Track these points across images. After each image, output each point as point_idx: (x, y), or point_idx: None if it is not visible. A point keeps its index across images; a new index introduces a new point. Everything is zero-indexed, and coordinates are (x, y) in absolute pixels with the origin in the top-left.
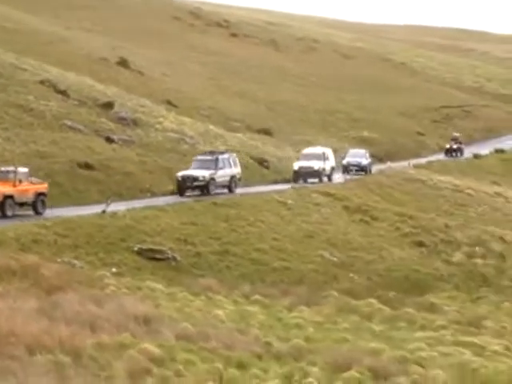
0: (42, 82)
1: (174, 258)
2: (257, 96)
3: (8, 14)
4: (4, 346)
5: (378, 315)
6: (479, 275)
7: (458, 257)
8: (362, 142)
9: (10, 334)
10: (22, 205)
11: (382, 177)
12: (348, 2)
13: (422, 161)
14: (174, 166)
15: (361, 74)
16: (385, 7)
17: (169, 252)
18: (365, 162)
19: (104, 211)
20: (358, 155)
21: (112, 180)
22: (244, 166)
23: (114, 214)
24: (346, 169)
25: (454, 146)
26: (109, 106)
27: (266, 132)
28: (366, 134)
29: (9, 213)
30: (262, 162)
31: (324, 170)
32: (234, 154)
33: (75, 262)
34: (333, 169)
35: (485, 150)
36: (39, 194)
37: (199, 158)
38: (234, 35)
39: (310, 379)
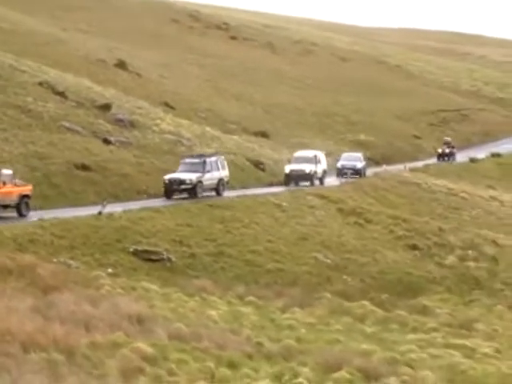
0: (40, 84)
1: (169, 259)
2: (254, 98)
3: (4, 14)
4: None
5: (370, 317)
6: (472, 278)
7: (450, 260)
8: (358, 145)
9: (5, 333)
10: (5, 207)
11: (377, 180)
12: (345, 6)
13: (419, 164)
14: (171, 168)
15: (357, 76)
16: (381, 10)
17: (164, 253)
18: (359, 165)
19: (100, 212)
20: (353, 158)
21: (109, 181)
22: (240, 169)
23: (110, 216)
24: (340, 172)
25: (446, 151)
26: (106, 107)
27: (263, 134)
28: (362, 136)
29: None
30: (257, 165)
31: (316, 173)
32: (223, 157)
33: (71, 262)
34: (325, 172)
35: (481, 153)
36: (23, 196)
37: (187, 160)
38: (233, 38)
39: (300, 379)
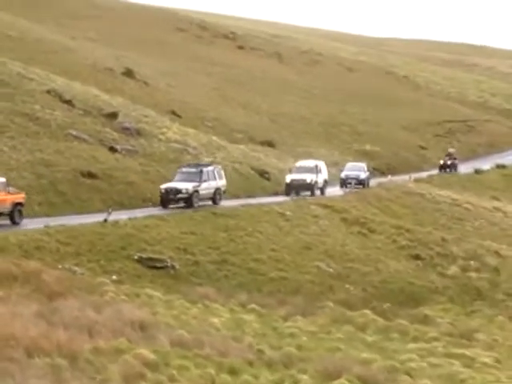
0: (48, 92)
1: (173, 267)
2: (260, 108)
3: (13, 22)
4: (3, 348)
5: (371, 326)
6: (473, 288)
7: (453, 270)
8: (364, 155)
9: (9, 338)
10: None
11: (381, 190)
12: (352, 16)
13: (424, 175)
14: None
15: (364, 87)
16: (388, 21)
17: (168, 261)
18: (363, 175)
19: (106, 220)
20: (357, 168)
21: (114, 189)
22: (245, 178)
23: (115, 223)
24: (344, 182)
25: (448, 162)
26: (113, 116)
27: (269, 144)
28: (368, 147)
29: None
30: (263, 174)
31: (316, 182)
32: (220, 166)
33: (76, 268)
34: (326, 182)
35: (486, 164)
36: (16, 204)
37: (183, 170)
38: (240, 47)
39: None
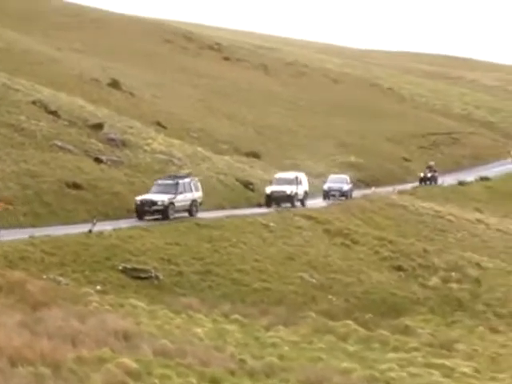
0: (33, 103)
1: (157, 277)
2: (246, 119)
3: (0, 34)
4: None
5: (353, 336)
6: (454, 299)
7: (434, 281)
8: (349, 167)
9: None
10: None
11: (364, 201)
12: (338, 28)
13: (408, 186)
14: None
15: (349, 98)
16: (373, 33)
17: (152, 271)
18: (346, 187)
19: (90, 230)
20: (339, 180)
21: (100, 200)
22: (230, 189)
23: (100, 234)
24: (326, 194)
25: (428, 175)
26: (99, 126)
27: (254, 155)
28: (353, 158)
29: None
30: (247, 185)
31: (297, 194)
32: (196, 178)
33: (61, 279)
34: (306, 193)
35: (470, 177)
36: None
37: (159, 182)
38: (226, 59)
39: None
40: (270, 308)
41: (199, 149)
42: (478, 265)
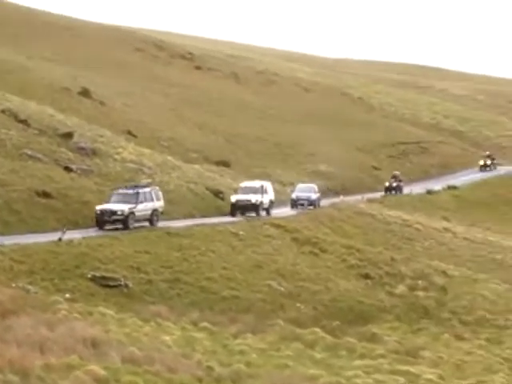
0: (3, 111)
1: (127, 285)
2: (216, 128)
3: None
4: None
5: (320, 344)
6: (421, 307)
7: (401, 289)
8: (319, 176)
9: None
10: None
11: (333, 210)
12: (309, 37)
13: (377, 195)
14: None
15: (319, 107)
16: (345, 42)
17: (121, 279)
18: (313, 196)
19: (60, 239)
20: (307, 190)
21: (69, 208)
22: (200, 198)
23: (69, 242)
24: (294, 203)
25: (394, 184)
26: (69, 135)
27: (225, 164)
28: (323, 167)
29: None
30: (217, 194)
31: (262, 203)
32: (157, 188)
33: (30, 287)
34: (272, 202)
35: (438, 185)
36: None
37: (120, 191)
38: (197, 68)
39: None
40: (238, 316)
41: (169, 158)
42: (444, 273)
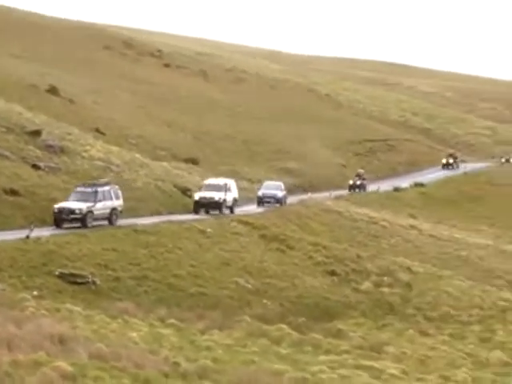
0: None
1: (94, 283)
2: (185, 125)
3: None
4: None
5: (286, 340)
6: (386, 303)
7: (366, 286)
8: (287, 173)
9: None
10: None
11: (300, 207)
12: (277, 34)
13: (344, 192)
14: None
15: (287, 105)
16: (314, 39)
17: (89, 276)
18: (280, 194)
19: (28, 236)
20: (273, 187)
21: (37, 206)
22: (168, 195)
23: (37, 239)
24: (261, 200)
25: (358, 182)
26: (36, 133)
27: (193, 161)
28: (290, 164)
29: None
30: (185, 191)
31: (225, 201)
32: (117, 186)
33: None
34: (235, 200)
35: (405, 183)
36: None
37: (78, 189)
38: (166, 65)
39: None
40: (205, 312)
41: (137, 155)
42: (409, 269)
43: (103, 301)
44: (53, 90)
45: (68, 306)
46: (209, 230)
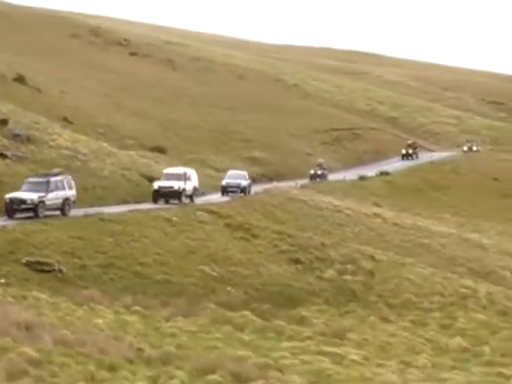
0: None
1: (61, 271)
2: (152, 114)
3: None
4: None
5: (250, 326)
6: (349, 291)
7: (330, 273)
8: (253, 162)
9: None
10: None
11: (266, 196)
12: (245, 22)
13: (306, 182)
14: None
15: (254, 94)
16: (281, 28)
17: (55, 264)
18: (244, 183)
19: None
20: (238, 176)
21: (4, 195)
22: (135, 184)
23: (3, 228)
24: (225, 189)
25: (318, 172)
26: (3, 122)
27: (160, 150)
28: (257, 153)
29: None
30: (152, 180)
31: (185, 190)
32: (70, 177)
33: None
34: (195, 189)
35: (371, 171)
36: None
37: (30, 179)
38: (133, 54)
39: (175, 381)
40: (170, 300)
41: (105, 144)
42: (372, 257)
43: (69, 288)
44: (20, 79)
45: (34, 293)
46: (174, 218)
